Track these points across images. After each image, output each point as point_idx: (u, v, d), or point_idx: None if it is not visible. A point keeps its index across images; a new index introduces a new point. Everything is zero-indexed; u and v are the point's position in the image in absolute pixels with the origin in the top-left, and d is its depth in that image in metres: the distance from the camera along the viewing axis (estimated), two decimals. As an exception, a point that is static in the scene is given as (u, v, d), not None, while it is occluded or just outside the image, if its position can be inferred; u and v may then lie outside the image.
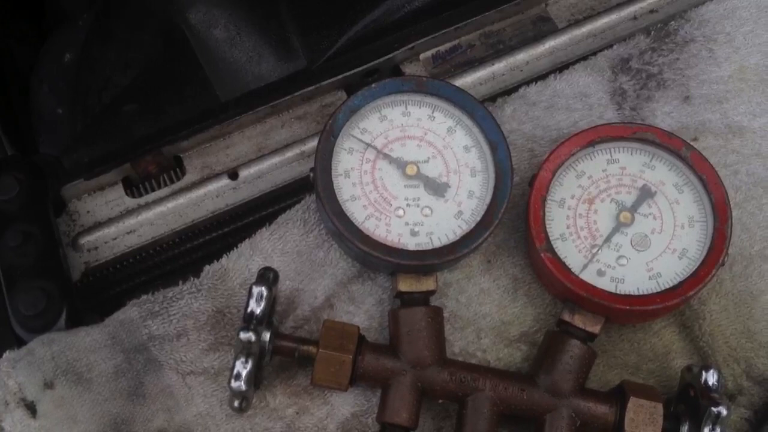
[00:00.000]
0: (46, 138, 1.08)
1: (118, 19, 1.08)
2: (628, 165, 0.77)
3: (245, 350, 0.68)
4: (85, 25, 1.11)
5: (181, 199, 0.88)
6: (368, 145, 0.76)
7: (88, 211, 0.87)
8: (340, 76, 0.91)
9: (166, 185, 0.89)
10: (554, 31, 0.96)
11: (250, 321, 0.68)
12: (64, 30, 1.11)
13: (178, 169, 0.89)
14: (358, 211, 0.74)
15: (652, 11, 0.96)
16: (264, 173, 0.89)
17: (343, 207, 0.74)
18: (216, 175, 0.89)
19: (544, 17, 0.97)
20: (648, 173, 0.77)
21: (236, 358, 0.68)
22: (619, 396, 0.72)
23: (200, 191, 0.88)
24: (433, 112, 0.78)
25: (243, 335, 0.67)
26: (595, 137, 0.77)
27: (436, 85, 0.78)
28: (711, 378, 0.70)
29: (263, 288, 0.69)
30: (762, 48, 0.87)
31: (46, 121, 1.08)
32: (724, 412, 0.67)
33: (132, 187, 0.89)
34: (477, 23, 0.95)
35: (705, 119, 0.84)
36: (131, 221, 0.86)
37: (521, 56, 0.94)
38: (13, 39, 1.20)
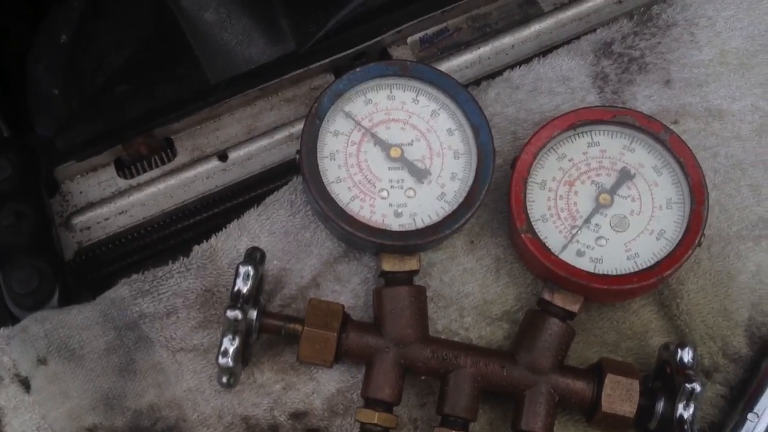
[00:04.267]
0: (42, 118, 1.09)
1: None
2: (609, 148, 0.79)
3: (232, 328, 0.70)
4: (80, 5, 1.12)
5: (172, 181, 0.89)
6: (357, 123, 0.78)
7: (80, 192, 0.89)
8: (328, 60, 0.92)
9: (157, 166, 0.90)
10: (540, 14, 0.97)
11: (237, 299, 0.70)
12: (61, 10, 1.12)
13: (168, 151, 0.91)
14: (343, 193, 0.76)
15: (637, -6, 0.98)
16: (253, 155, 0.90)
17: (328, 189, 0.76)
18: (206, 157, 0.90)
19: (530, 0, 0.98)
20: (628, 156, 0.78)
21: (224, 336, 0.70)
22: (596, 373, 0.74)
23: (191, 173, 0.89)
24: (417, 96, 0.80)
25: (230, 313, 0.69)
26: (576, 120, 0.79)
27: (420, 69, 0.80)
28: (686, 355, 0.72)
29: (250, 267, 0.71)
30: (743, 32, 0.88)
31: (41, 101, 1.09)
32: (698, 388, 0.69)
33: (124, 168, 0.90)
34: (464, 7, 0.96)
35: (685, 102, 0.86)
36: (123, 202, 0.88)
37: (507, 40, 0.95)
38: (9, 17, 1.20)
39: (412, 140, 0.78)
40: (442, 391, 0.73)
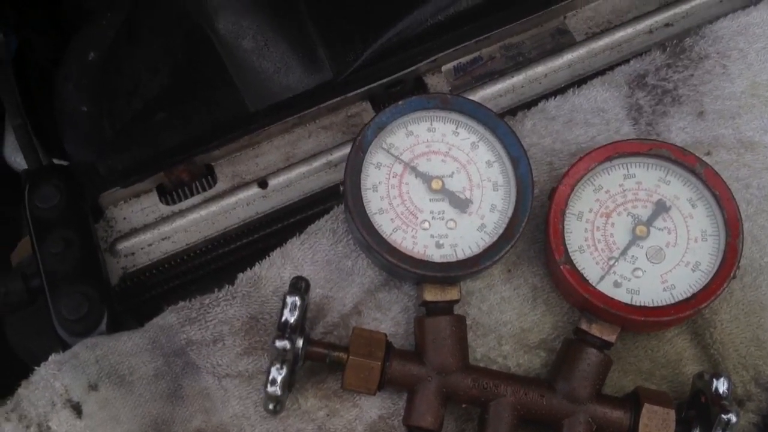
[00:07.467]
0: (70, 134, 1.11)
1: (146, 23, 1.11)
2: (644, 180, 0.80)
3: (280, 357, 0.72)
4: (110, 25, 1.14)
5: (213, 207, 0.91)
6: (396, 158, 0.80)
7: (124, 218, 0.91)
8: (365, 88, 0.94)
9: (198, 193, 0.92)
10: (572, 43, 0.98)
11: (284, 330, 0.72)
12: (90, 29, 1.14)
13: (209, 177, 0.93)
14: (386, 224, 0.78)
15: (667, 25, 0.99)
16: (292, 182, 0.92)
17: (371, 219, 0.78)
18: (246, 184, 0.92)
19: (562, 30, 1.00)
20: (663, 188, 0.80)
21: (271, 365, 0.72)
22: (633, 402, 0.75)
23: (231, 199, 0.91)
24: (457, 128, 0.82)
25: (278, 343, 0.71)
26: (613, 153, 0.80)
27: (460, 102, 0.82)
28: (721, 386, 0.73)
29: (297, 298, 0.73)
30: (774, 65, 0.90)
31: (70, 119, 1.11)
32: (734, 419, 0.71)
33: (166, 195, 0.92)
34: (497, 36, 0.97)
35: (718, 134, 0.87)
36: (166, 228, 0.90)
37: (540, 68, 0.97)
38: (33, 33, 1.22)
39: (453, 172, 0.80)
40: (483, 419, 0.75)
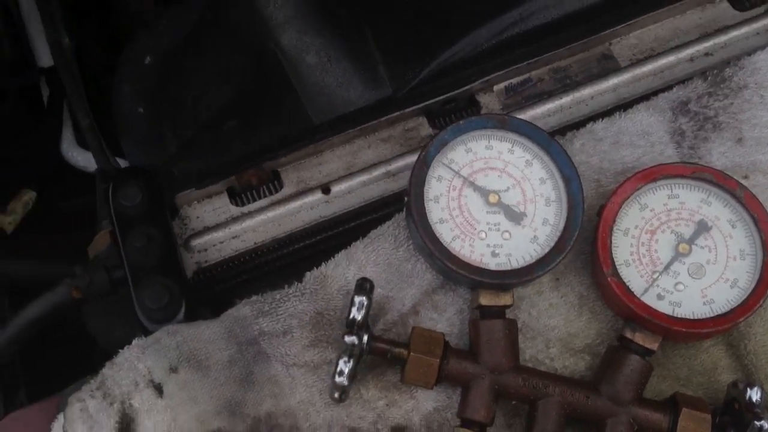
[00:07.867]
0: (127, 135, 1.19)
1: (212, 36, 1.18)
2: (687, 200, 0.86)
3: (348, 351, 0.78)
4: (166, 32, 1.21)
5: (280, 210, 0.98)
6: (456, 173, 0.87)
7: (197, 217, 0.98)
8: (421, 104, 1.01)
9: (265, 196, 0.98)
10: (617, 68, 1.04)
11: (352, 326, 0.79)
12: (144, 35, 1.21)
13: (276, 182, 0.99)
14: (446, 233, 0.84)
15: (707, 54, 1.05)
16: (353, 189, 0.99)
17: (433, 228, 0.84)
18: (310, 189, 0.99)
19: (607, 55, 1.06)
20: (705, 209, 0.86)
21: (340, 357, 0.78)
22: (672, 406, 0.81)
23: (296, 203, 0.98)
24: (512, 147, 0.88)
25: (348, 339, 0.78)
26: (658, 174, 0.86)
27: (516, 123, 0.88)
28: (755, 395, 0.79)
29: (364, 297, 0.80)
30: (807, 94, 0.95)
31: (127, 120, 1.18)
32: (766, 425, 0.77)
33: (235, 197, 0.99)
34: (546, 59, 1.03)
35: (756, 159, 0.93)
36: (236, 227, 0.97)
37: (587, 91, 1.03)
38: (86, 38, 1.30)
39: (508, 187, 0.87)
40: (531, 416, 0.81)
